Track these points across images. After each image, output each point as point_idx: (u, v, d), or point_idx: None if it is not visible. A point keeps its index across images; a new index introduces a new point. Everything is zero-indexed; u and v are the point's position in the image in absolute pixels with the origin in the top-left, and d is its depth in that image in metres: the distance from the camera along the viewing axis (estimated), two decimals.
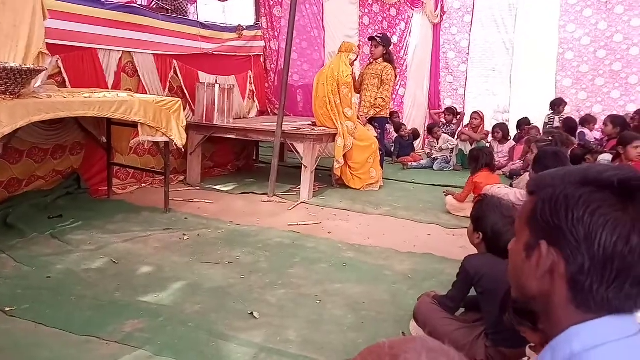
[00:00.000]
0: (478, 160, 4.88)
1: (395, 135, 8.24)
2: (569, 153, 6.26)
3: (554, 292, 0.85)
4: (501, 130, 7.59)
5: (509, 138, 7.74)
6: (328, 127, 5.50)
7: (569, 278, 0.82)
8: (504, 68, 9.16)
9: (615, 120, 6.29)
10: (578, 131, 7.25)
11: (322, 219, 4.56)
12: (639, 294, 0.81)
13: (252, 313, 2.72)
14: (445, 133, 8.12)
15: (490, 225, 2.31)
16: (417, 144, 8.80)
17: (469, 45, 9.40)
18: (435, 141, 7.92)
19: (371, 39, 6.06)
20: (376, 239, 4.09)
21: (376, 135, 5.93)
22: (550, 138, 4.97)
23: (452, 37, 9.53)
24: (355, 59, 5.71)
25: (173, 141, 4.20)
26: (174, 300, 2.86)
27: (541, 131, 7.42)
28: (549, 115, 8.10)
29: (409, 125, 8.57)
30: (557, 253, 0.83)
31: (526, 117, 8.18)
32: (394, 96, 8.70)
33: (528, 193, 0.92)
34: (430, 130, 8.26)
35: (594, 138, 7.36)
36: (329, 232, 4.20)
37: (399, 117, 8.55)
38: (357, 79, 6.06)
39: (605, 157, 5.21)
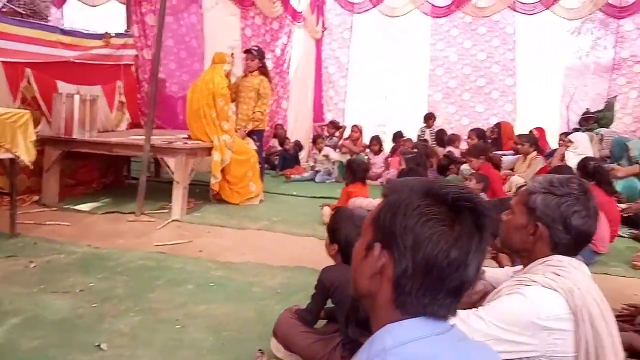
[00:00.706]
0: (355, 172, 5.02)
1: (279, 148, 8.23)
2: (436, 163, 6.71)
3: (380, 292, 0.90)
4: (377, 143, 7.90)
5: (382, 149, 8.06)
6: (202, 141, 5.29)
7: (394, 280, 0.88)
8: (382, 83, 9.58)
9: (477, 133, 6.82)
10: (446, 150, 7.73)
11: (194, 237, 4.34)
12: (452, 303, 0.89)
13: (99, 345, 2.46)
14: (328, 146, 8.30)
15: (344, 236, 2.30)
16: (303, 156, 8.87)
17: (349, 60, 9.69)
18: (318, 153, 8.04)
19: (247, 51, 5.99)
20: (250, 254, 3.97)
21: (255, 148, 5.83)
22: (415, 150, 5.24)
23: (332, 52, 9.77)
24: (230, 70, 5.59)
25: (19, 157, 3.77)
26: (9, 337, 2.51)
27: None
28: (421, 128, 8.60)
29: (292, 138, 8.61)
30: (389, 256, 0.88)
31: (400, 131, 8.60)
32: (278, 109, 8.73)
33: (382, 196, 0.99)
34: (314, 142, 8.38)
35: (461, 152, 7.91)
36: (200, 251, 4.00)
37: (283, 130, 8.55)
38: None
39: (466, 167, 5.59)
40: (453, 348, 0.89)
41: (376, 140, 7.99)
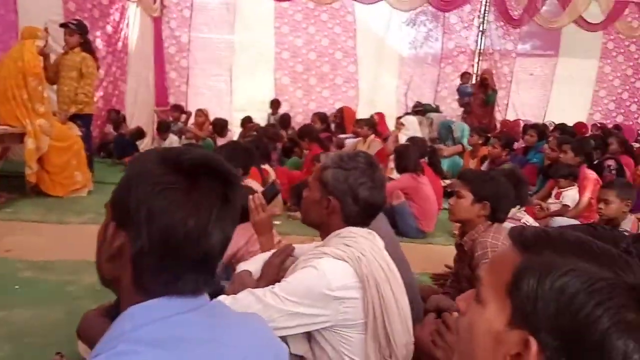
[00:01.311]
0: None
1: (115, 134, 7.62)
2: (280, 146, 6.78)
3: (123, 276, 0.82)
4: (220, 126, 7.71)
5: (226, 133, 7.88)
6: (12, 126, 4.63)
7: (132, 260, 0.80)
8: (226, 66, 9.33)
9: (319, 117, 7.02)
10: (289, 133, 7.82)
11: (2, 236, 3.79)
12: (200, 277, 0.82)
13: None
14: (173, 132, 7.92)
15: None
16: (145, 143, 8.34)
17: (190, 41, 9.24)
18: (163, 141, 7.65)
19: (63, 25, 5.36)
20: (68, 251, 3.56)
21: (80, 134, 5.27)
22: (254, 133, 5.20)
23: (172, 31, 9.22)
24: (45, 46, 4.95)
25: None
26: None
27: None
28: (268, 113, 8.63)
29: (133, 124, 8.04)
30: (126, 234, 0.80)
31: (249, 116, 8.51)
32: (115, 92, 8.05)
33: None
34: (159, 129, 7.94)
35: None
36: (7, 251, 3.50)
37: (117, 113, 7.91)
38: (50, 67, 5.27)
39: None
40: (206, 325, 0.83)
41: (217, 121, 7.75)
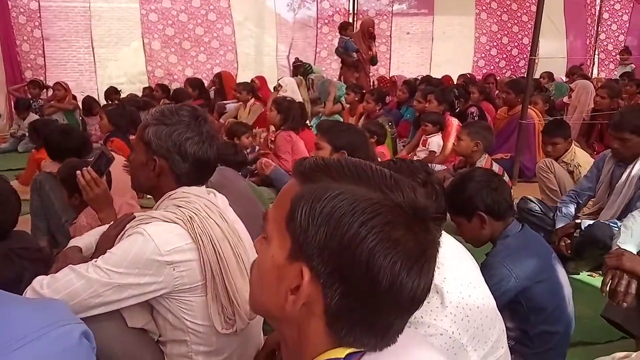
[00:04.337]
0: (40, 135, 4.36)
1: None
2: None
3: None
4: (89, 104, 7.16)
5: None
6: None
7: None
8: (85, 34, 8.49)
9: (190, 83, 6.78)
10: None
11: None
12: None
13: None
14: (33, 110, 7.19)
15: None
16: (1, 126, 7.48)
17: (40, 8, 8.24)
18: (23, 121, 6.93)
19: None
20: None
21: None
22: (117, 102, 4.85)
23: None
24: None
25: None
26: None
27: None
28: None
29: None
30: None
31: (113, 86, 7.82)
32: None
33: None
34: (16, 107, 7.15)
35: None
36: None
37: None
38: None
39: None
40: None
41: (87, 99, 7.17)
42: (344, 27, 9.01)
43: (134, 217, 1.73)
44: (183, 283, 1.39)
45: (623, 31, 11.72)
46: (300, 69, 8.73)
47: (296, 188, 0.72)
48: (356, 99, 6.75)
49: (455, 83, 8.20)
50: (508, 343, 1.90)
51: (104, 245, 1.59)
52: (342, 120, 7.11)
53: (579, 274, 3.02)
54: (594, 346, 2.42)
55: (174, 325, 1.44)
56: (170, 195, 1.48)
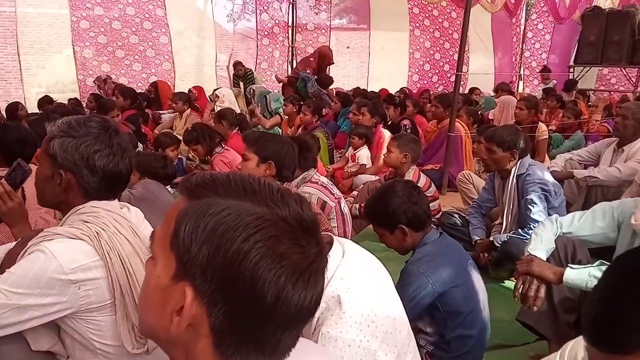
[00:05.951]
0: None
1: None
2: None
3: None
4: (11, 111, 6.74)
5: None
6: None
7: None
8: (11, 40, 8.02)
9: (121, 91, 6.57)
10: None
11: None
12: None
13: None
14: None
15: None
16: None
17: None
18: None
19: None
20: None
21: None
22: (41, 112, 4.65)
23: None
24: None
25: None
26: None
27: None
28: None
29: None
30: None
31: (48, 95, 7.47)
32: None
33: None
34: None
35: None
36: None
37: None
38: None
39: None
40: None
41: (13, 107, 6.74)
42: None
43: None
44: (90, 302, 1.33)
45: (546, 49, 12.53)
46: (241, 72, 8.69)
47: (182, 205, 0.71)
48: (294, 110, 6.78)
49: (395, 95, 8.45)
50: (427, 348, 1.97)
51: (10, 263, 1.50)
52: (280, 131, 7.13)
53: (504, 282, 3.17)
54: (511, 348, 2.54)
55: (84, 345, 1.38)
56: (77, 210, 1.41)
